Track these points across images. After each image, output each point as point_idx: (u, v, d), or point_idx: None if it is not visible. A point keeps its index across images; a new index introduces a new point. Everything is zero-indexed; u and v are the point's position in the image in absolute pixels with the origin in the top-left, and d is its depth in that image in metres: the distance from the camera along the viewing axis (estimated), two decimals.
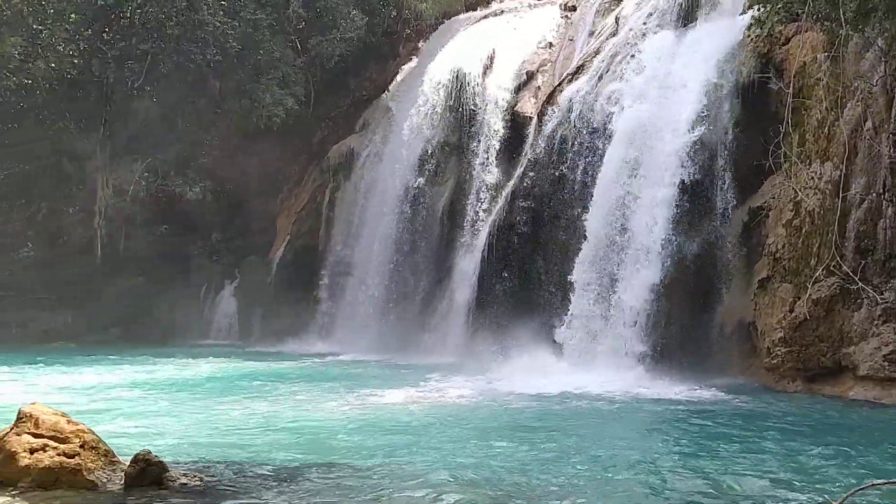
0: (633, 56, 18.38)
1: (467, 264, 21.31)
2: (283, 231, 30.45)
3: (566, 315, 16.78)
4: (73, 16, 28.76)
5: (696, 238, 15.82)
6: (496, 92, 22.98)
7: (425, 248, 23.37)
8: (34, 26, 28.86)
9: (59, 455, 6.23)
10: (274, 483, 6.66)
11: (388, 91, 28.13)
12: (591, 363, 15.16)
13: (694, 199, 15.97)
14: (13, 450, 6.27)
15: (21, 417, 6.63)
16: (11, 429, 6.57)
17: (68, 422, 6.66)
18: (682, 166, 15.99)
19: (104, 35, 28.32)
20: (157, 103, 29.70)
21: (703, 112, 16.31)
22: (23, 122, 30.87)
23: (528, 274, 19.07)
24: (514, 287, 19.26)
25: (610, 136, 17.42)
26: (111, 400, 12.63)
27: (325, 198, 28.32)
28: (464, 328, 20.27)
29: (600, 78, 18.85)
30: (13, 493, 5.95)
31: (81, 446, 6.37)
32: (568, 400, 12.29)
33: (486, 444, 8.75)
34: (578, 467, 7.48)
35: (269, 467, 7.30)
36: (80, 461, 6.21)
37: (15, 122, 30.83)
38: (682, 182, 15.91)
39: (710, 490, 6.52)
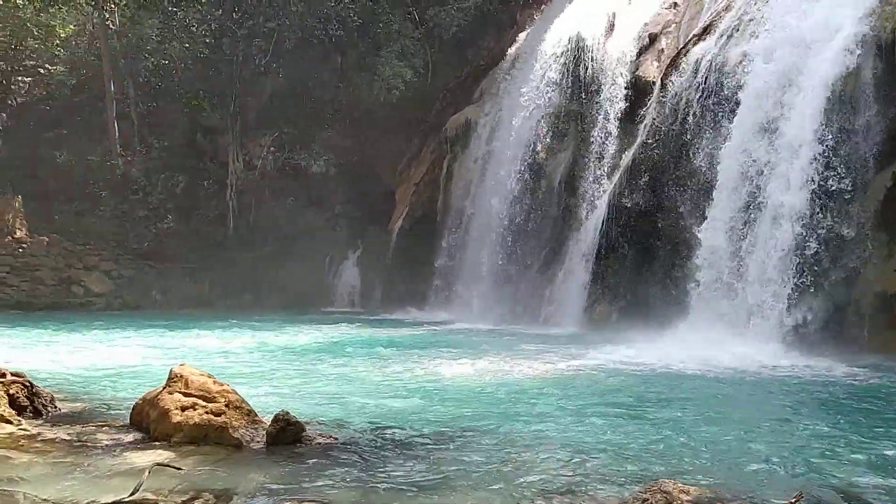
0: (765, 12, 17.39)
1: (586, 234, 21.06)
2: (402, 202, 31.04)
3: (692, 285, 16.31)
4: None
5: (834, 205, 14.93)
6: (617, 56, 22.35)
7: (543, 218, 23.23)
8: (170, 9, 30.46)
9: (207, 413, 6.69)
10: (401, 445, 6.89)
11: (506, 60, 27.92)
12: (721, 335, 14.66)
13: (832, 163, 15.05)
14: (167, 407, 6.79)
15: (172, 378, 7.16)
16: (164, 388, 7.11)
17: (214, 382, 7.14)
18: (820, 128, 15.08)
19: (233, 14, 29.55)
20: (283, 79, 30.83)
21: (841, 71, 15.27)
22: (161, 101, 32.85)
23: (649, 243, 18.63)
24: (635, 257, 18.88)
25: (739, 100, 16.64)
26: (244, 362, 13.35)
27: (442, 169, 28.59)
28: (582, 298, 20.09)
29: (730, 37, 17.98)
30: (168, 447, 6.45)
31: (227, 405, 6.82)
32: (695, 373, 11.96)
33: (607, 416, 8.68)
34: (714, 446, 7.22)
35: (396, 430, 7.54)
36: (226, 419, 6.65)
37: (154, 101, 32.84)
38: (820, 145, 15.02)
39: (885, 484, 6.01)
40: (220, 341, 17.35)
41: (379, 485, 5.58)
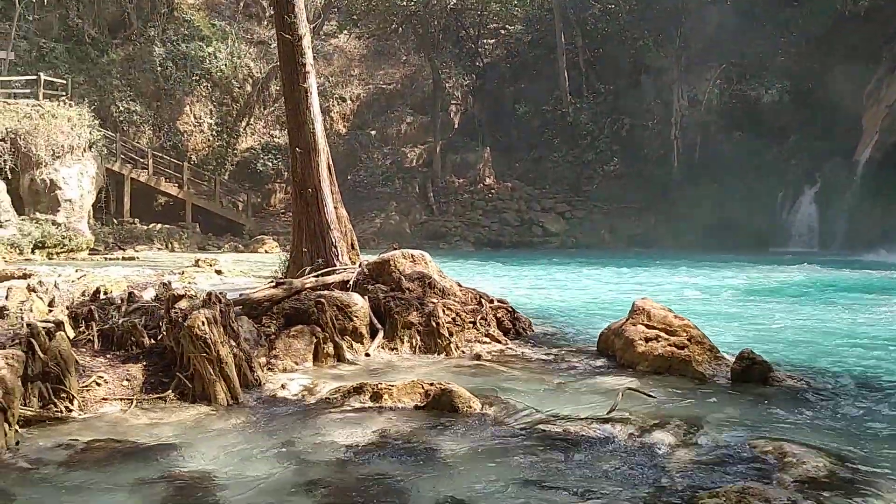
0: None
1: None
2: (870, 128, 27.39)
3: None
4: None
5: None
6: None
7: None
8: None
9: (669, 346, 6.92)
10: (881, 394, 6.26)
11: None
12: None
13: None
14: (631, 338, 7.20)
15: (635, 310, 7.55)
16: (627, 320, 7.54)
17: (675, 316, 7.34)
18: None
19: None
20: (731, 7, 29.23)
21: None
22: (606, 46, 33.88)
23: None
24: None
25: None
26: (694, 300, 13.32)
27: None
28: None
29: None
30: (633, 374, 6.86)
31: (689, 340, 6.96)
32: None
33: None
34: None
35: (875, 379, 6.86)
36: (688, 353, 6.80)
37: (600, 47, 34.03)
38: None
39: None
40: (667, 279, 17.59)
41: (858, 432, 5.18)
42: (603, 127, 33.26)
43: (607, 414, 5.40)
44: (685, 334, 7.03)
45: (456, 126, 36.17)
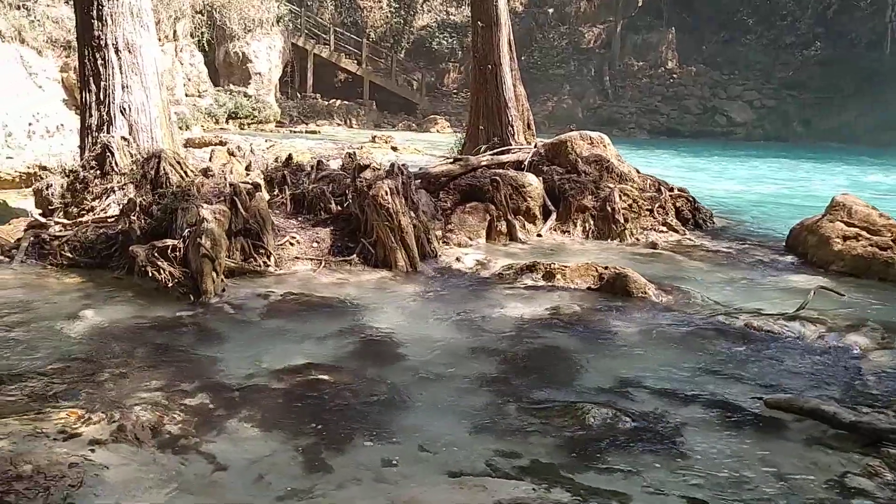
0: None
1: None
2: None
3: None
4: None
5: None
6: None
7: None
8: None
9: (871, 246, 6.37)
10: None
11: None
12: None
13: None
14: (827, 235, 6.69)
15: (834, 206, 6.97)
16: (824, 216, 6.98)
17: (880, 215, 6.71)
18: None
19: None
20: None
21: None
22: None
23: None
24: None
25: None
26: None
27: None
28: None
29: None
30: (826, 274, 6.41)
31: (894, 241, 6.37)
32: None
33: None
34: None
35: None
36: (892, 254, 6.24)
37: None
38: None
39: None
40: (866, 177, 16.09)
41: None
42: (806, 7, 29.99)
43: (796, 311, 5.11)
44: (889, 234, 6.43)
45: (640, 4, 33.97)
